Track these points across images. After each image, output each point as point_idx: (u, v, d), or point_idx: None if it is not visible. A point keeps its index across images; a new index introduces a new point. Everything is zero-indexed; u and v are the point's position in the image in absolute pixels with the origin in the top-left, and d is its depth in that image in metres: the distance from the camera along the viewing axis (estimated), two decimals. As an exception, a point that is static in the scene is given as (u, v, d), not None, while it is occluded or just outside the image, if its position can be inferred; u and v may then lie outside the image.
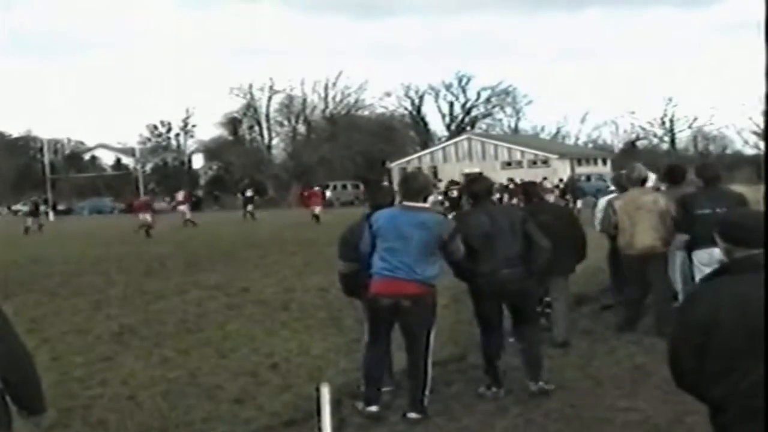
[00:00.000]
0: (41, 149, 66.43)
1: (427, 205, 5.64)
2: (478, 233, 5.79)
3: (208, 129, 75.54)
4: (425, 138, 73.45)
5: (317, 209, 31.62)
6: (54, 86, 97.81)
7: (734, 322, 2.81)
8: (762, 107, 3.42)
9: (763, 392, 2.75)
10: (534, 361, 5.96)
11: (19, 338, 3.10)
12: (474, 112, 75.78)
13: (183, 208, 35.26)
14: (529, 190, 8.21)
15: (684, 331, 2.98)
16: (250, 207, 37.46)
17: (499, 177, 37.60)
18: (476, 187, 6.26)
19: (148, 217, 27.56)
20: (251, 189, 43.85)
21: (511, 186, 34.45)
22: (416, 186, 5.69)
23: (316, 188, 43.71)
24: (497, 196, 27.98)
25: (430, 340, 5.48)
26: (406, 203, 5.56)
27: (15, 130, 74.72)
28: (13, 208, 62.43)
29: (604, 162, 59.38)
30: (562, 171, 50.91)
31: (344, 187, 58.53)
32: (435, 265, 5.45)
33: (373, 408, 5.47)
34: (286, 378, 6.72)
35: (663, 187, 8.90)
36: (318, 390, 3.84)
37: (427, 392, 5.44)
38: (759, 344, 2.72)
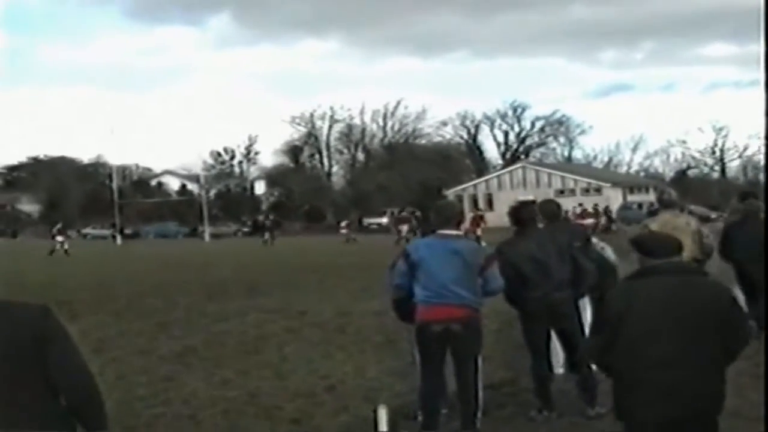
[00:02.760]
0: (110, 175, 68.34)
1: (460, 232, 5.72)
2: (527, 259, 5.89)
3: (271, 156, 76.76)
4: (480, 166, 73.60)
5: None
6: (124, 114, 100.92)
7: (640, 313, 3.75)
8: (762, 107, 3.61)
9: (659, 367, 3.71)
10: (590, 388, 5.96)
11: (82, 358, 3.15)
12: (528, 141, 76.13)
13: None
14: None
15: (603, 317, 3.96)
16: (266, 235, 39.14)
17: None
18: (522, 213, 6.33)
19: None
20: (270, 217, 45.58)
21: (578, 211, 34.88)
22: (448, 214, 5.79)
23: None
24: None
25: (479, 362, 5.54)
26: (440, 231, 5.65)
27: (85, 156, 77.29)
28: (83, 231, 64.33)
29: (663, 183, 58.64)
30: (614, 199, 50.60)
31: (401, 213, 58.76)
32: (477, 289, 5.49)
33: None
34: (343, 400, 6.81)
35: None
36: (375, 412, 3.94)
37: (479, 414, 5.50)
38: (656, 332, 3.73)
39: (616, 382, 3.93)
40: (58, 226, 37.07)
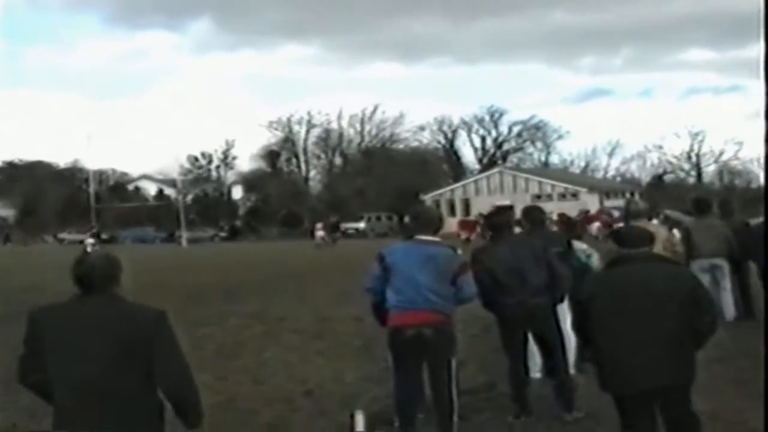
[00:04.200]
0: (87, 180, 67.81)
1: (437, 239, 5.73)
2: (503, 265, 5.95)
3: (248, 161, 76.59)
4: (458, 171, 73.84)
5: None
6: (101, 119, 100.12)
7: (610, 295, 4.33)
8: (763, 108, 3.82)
9: (628, 344, 4.21)
10: (567, 393, 6.05)
11: (185, 361, 3.46)
12: (505, 146, 76.50)
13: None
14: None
15: (579, 297, 4.65)
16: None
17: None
18: (497, 220, 6.42)
19: None
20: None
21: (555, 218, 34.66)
22: (426, 220, 5.80)
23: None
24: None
25: (453, 367, 5.52)
26: (417, 237, 5.66)
27: (62, 161, 76.67)
28: (59, 236, 63.71)
29: (632, 195, 59.17)
30: (591, 204, 50.99)
31: (378, 218, 58.85)
32: (450, 295, 5.49)
33: None
34: (320, 405, 6.83)
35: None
36: (353, 417, 3.96)
37: (455, 419, 5.51)
38: (625, 311, 4.24)
39: (594, 356, 4.53)
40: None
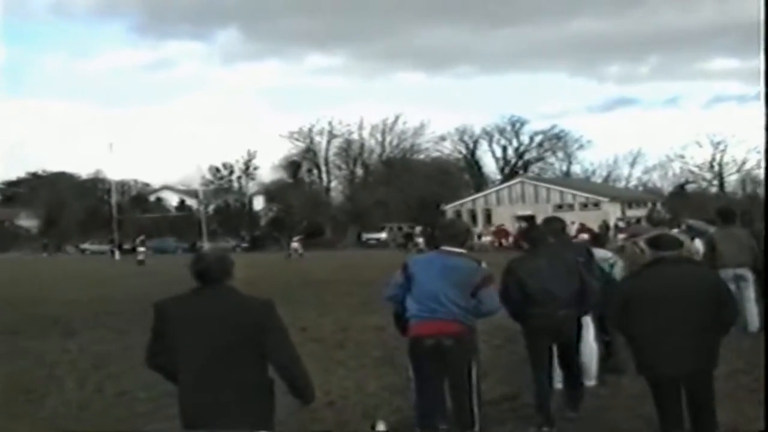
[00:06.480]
0: (109, 190, 68.40)
1: (462, 250, 5.72)
2: (536, 277, 6.04)
3: (269, 171, 76.90)
4: (479, 181, 73.60)
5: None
6: (123, 129, 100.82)
7: (643, 291, 4.99)
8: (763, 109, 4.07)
9: (661, 333, 4.86)
10: (577, 397, 6.31)
11: (292, 345, 3.98)
12: (527, 156, 76.17)
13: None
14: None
15: (619, 293, 5.25)
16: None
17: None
18: (534, 234, 6.57)
19: None
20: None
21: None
22: (453, 232, 5.82)
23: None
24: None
25: (473, 378, 5.51)
26: (443, 248, 5.68)
27: (84, 172, 77.40)
28: (81, 247, 64.28)
29: (654, 205, 58.73)
30: (612, 214, 50.62)
31: (400, 228, 58.81)
32: (471, 307, 5.47)
33: None
34: (342, 415, 6.83)
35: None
36: (374, 428, 3.98)
37: (476, 429, 5.49)
38: (659, 305, 4.88)
39: (631, 344, 5.18)
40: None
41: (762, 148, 4.11)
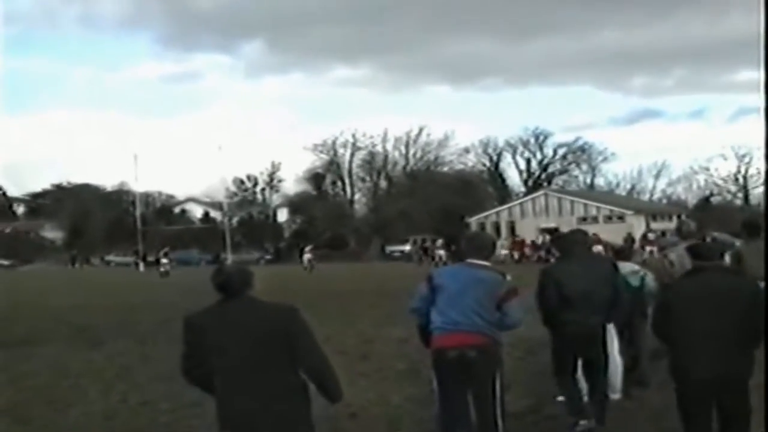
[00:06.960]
0: (133, 202, 69.00)
1: (487, 263, 5.69)
2: (572, 282, 6.13)
3: (293, 184, 77.20)
4: (503, 193, 73.43)
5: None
6: (148, 141, 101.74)
7: (684, 298, 5.12)
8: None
9: (701, 338, 4.93)
10: (602, 409, 6.29)
11: (320, 348, 4.13)
12: (551, 169, 75.96)
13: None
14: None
15: (662, 300, 5.46)
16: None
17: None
18: (565, 240, 6.68)
19: None
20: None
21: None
22: (479, 244, 5.82)
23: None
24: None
25: (497, 390, 5.47)
26: (469, 260, 5.67)
27: (109, 184, 78.19)
28: (106, 258, 64.82)
29: (679, 218, 58.22)
30: (637, 227, 50.21)
31: (424, 241, 58.72)
32: (495, 319, 5.45)
33: None
34: (365, 427, 6.83)
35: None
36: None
37: (500, 442, 5.48)
38: (700, 312, 4.98)
39: (671, 349, 5.23)
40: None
41: (762, 148, 4.14)
